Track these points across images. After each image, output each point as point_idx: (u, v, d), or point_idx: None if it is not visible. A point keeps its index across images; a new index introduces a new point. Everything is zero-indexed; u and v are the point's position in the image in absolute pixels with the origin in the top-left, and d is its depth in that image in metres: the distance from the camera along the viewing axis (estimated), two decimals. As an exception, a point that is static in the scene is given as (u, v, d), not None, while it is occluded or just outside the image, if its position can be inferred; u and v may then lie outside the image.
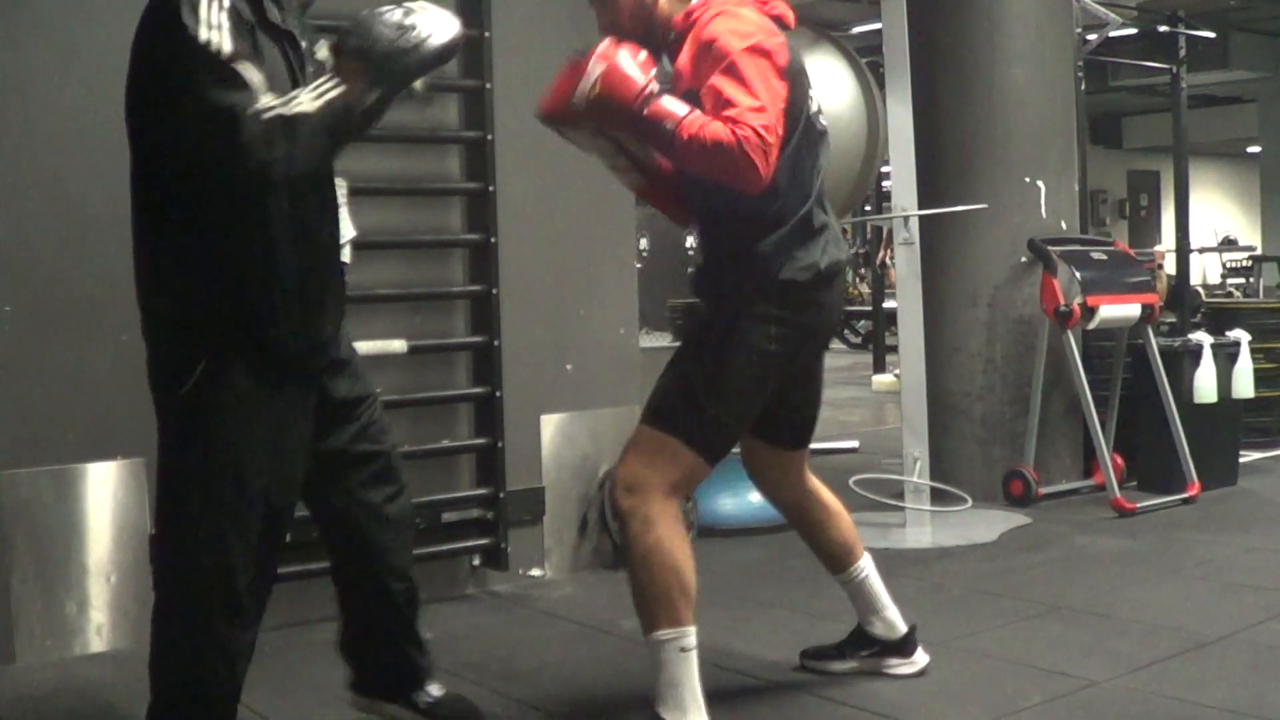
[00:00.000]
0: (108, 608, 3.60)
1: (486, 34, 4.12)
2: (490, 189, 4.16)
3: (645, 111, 2.61)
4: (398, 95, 2.37)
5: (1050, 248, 5.41)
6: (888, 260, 9.45)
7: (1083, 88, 6.38)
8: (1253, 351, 5.86)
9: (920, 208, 5.09)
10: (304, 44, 2.50)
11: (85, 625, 3.58)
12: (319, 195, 2.55)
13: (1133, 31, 8.04)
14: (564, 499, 4.43)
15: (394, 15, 2.33)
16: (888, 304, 8.92)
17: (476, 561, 4.23)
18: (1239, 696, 3.02)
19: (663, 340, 8.87)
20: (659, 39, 2.80)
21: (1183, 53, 6.90)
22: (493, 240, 4.17)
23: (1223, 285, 15.87)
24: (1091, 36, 6.85)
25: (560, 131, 2.80)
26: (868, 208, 12.10)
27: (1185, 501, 5.42)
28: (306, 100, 2.26)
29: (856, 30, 9.26)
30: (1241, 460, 5.98)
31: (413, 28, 2.32)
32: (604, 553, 4.50)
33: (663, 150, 2.71)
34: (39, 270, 3.50)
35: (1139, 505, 5.26)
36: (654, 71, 2.65)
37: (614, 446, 4.53)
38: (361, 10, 2.38)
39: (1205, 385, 5.62)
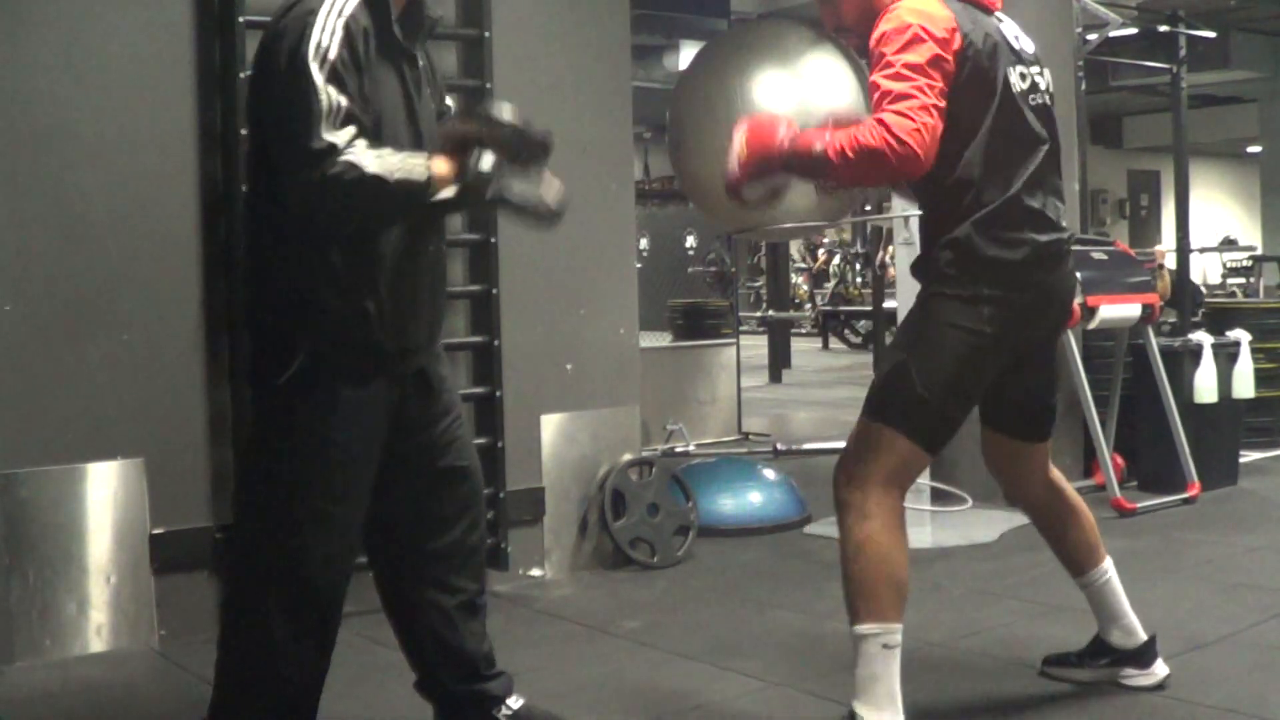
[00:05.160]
0: (108, 608, 3.61)
1: (486, 34, 4.12)
2: (490, 189, 4.16)
3: (790, 150, 2.64)
4: (467, 208, 2.42)
5: (1050, 248, 5.41)
6: (887, 260, 9.43)
7: (1083, 88, 6.37)
8: (1253, 351, 5.86)
9: (920, 208, 5.08)
10: (423, 63, 2.58)
11: (85, 625, 3.58)
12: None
13: (1133, 31, 8.02)
14: (564, 499, 4.43)
15: (518, 158, 2.41)
16: (888, 304, 8.89)
17: (476, 561, 4.23)
18: (1239, 696, 3.03)
19: (662, 340, 8.84)
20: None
21: (1183, 53, 6.88)
22: (493, 240, 4.17)
23: (1223, 285, 15.85)
24: (1091, 36, 6.83)
25: (753, 198, 2.77)
26: (868, 207, 12.07)
27: (1185, 501, 5.42)
28: (394, 162, 2.31)
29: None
30: (1241, 460, 5.98)
31: (524, 171, 2.41)
32: (604, 553, 4.50)
33: (823, 177, 2.71)
34: (39, 270, 3.50)
35: (1139, 505, 5.27)
36: (789, 121, 2.69)
37: (614, 446, 4.56)
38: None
39: (1205, 385, 5.62)
